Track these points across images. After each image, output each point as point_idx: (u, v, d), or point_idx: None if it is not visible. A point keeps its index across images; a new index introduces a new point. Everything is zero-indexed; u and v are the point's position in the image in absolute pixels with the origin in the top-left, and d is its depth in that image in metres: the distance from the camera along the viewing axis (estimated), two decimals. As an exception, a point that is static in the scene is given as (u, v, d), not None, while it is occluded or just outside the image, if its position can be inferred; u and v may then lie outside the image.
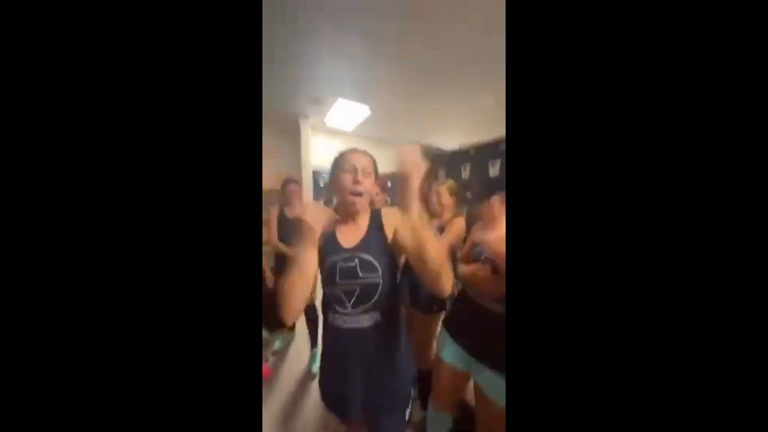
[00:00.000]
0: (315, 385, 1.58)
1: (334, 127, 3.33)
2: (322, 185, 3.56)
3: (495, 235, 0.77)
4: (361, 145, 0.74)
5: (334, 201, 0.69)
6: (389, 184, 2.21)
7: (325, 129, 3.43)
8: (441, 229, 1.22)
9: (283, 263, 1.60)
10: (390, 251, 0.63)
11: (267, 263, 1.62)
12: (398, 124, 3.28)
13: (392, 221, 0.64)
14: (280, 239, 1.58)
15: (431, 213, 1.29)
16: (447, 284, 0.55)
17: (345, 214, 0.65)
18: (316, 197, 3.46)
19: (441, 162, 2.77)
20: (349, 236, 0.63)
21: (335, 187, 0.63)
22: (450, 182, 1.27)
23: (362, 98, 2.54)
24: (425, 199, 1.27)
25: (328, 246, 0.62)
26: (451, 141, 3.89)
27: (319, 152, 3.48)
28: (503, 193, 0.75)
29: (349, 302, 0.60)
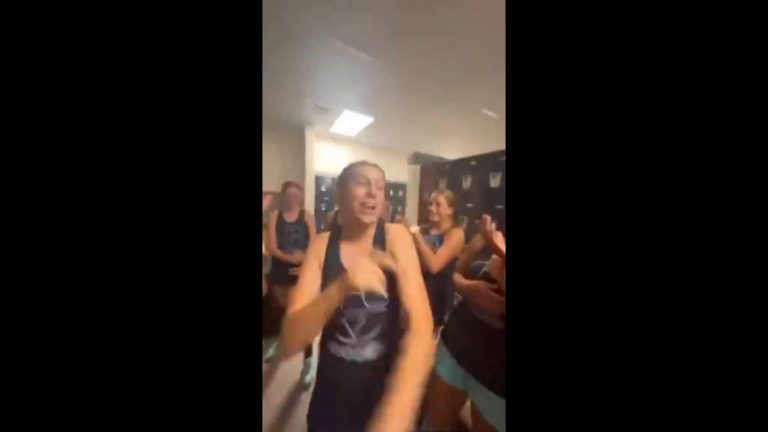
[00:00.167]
0: (307, 396, 1.56)
1: (339, 133, 3.37)
2: (323, 189, 3.58)
3: (496, 252, 0.76)
4: (364, 153, 0.74)
5: (336, 207, 0.68)
6: (391, 193, 2.23)
7: (328, 135, 3.47)
8: (440, 239, 1.21)
9: (278, 270, 1.58)
10: (393, 275, 0.61)
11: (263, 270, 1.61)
12: (401, 133, 3.32)
13: (394, 243, 0.62)
14: (279, 246, 1.57)
15: (430, 223, 1.29)
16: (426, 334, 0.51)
17: (352, 227, 0.63)
18: (317, 202, 3.48)
19: (442, 172, 2.79)
20: (353, 256, 0.61)
21: (347, 197, 0.61)
22: (448, 193, 1.27)
23: (367, 109, 2.57)
24: (425, 209, 1.26)
25: (332, 269, 0.59)
26: (453, 152, 3.93)
27: (322, 158, 3.51)
28: (493, 213, 0.73)
29: (353, 332, 0.57)
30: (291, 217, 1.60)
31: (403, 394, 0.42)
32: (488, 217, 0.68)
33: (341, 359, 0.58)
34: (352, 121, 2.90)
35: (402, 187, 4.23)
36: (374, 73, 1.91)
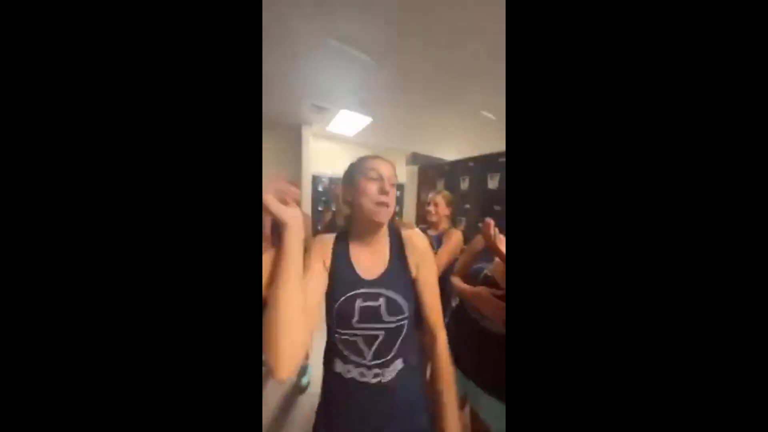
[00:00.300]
0: (303, 399, 1.55)
1: (336, 133, 3.36)
2: (321, 189, 3.57)
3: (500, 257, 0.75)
4: (362, 153, 0.71)
5: (333, 207, 0.67)
6: (397, 193, 2.24)
7: (325, 135, 3.46)
8: (438, 240, 1.21)
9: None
10: (413, 284, 0.56)
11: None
12: (399, 133, 3.31)
13: (417, 252, 0.57)
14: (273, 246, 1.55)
15: (428, 223, 1.29)
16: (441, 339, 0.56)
17: (363, 228, 0.56)
18: (314, 201, 3.47)
19: (440, 173, 2.79)
20: (369, 263, 0.54)
21: (356, 195, 0.53)
22: (446, 193, 1.27)
23: (365, 109, 2.56)
24: (423, 209, 1.26)
25: (342, 274, 0.52)
26: (451, 153, 3.93)
27: (319, 158, 3.50)
28: (495, 218, 0.72)
29: (370, 351, 0.50)
30: None
31: (453, 410, 0.51)
32: (491, 221, 0.64)
33: (354, 380, 0.51)
34: (350, 121, 2.89)
35: (400, 187, 4.24)
36: (372, 73, 1.90)
